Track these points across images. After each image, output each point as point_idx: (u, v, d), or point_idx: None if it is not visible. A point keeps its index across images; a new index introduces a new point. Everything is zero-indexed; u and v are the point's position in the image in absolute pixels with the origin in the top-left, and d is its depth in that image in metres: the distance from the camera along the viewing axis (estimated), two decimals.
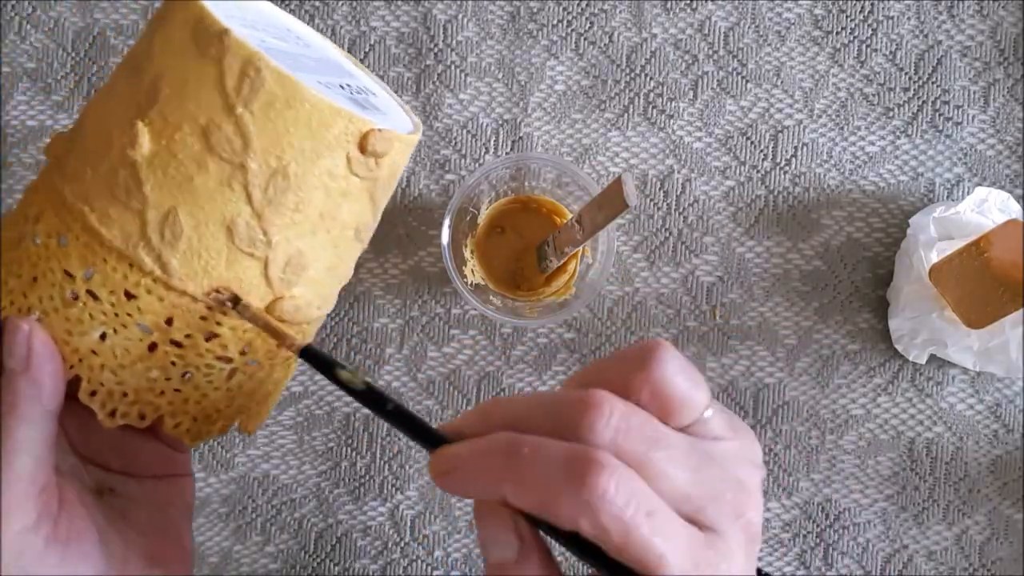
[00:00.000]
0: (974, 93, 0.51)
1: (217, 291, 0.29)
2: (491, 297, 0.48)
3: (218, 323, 0.30)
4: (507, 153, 0.51)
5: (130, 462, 0.33)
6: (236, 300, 0.29)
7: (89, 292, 0.29)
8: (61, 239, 0.29)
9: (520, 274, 0.49)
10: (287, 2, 0.51)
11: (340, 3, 0.51)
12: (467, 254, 0.49)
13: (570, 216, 0.47)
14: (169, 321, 0.30)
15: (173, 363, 0.30)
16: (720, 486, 0.24)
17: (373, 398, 0.28)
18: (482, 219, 0.49)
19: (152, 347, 0.30)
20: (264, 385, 0.34)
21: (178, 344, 0.30)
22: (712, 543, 0.24)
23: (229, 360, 0.31)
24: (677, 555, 0.23)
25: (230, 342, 0.31)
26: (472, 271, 0.48)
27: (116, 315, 0.29)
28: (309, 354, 0.29)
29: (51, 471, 0.29)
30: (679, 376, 0.25)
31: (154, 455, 0.34)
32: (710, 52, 0.51)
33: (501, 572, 0.25)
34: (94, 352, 0.30)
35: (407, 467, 0.51)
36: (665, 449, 0.24)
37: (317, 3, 0.51)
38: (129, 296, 0.29)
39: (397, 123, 0.33)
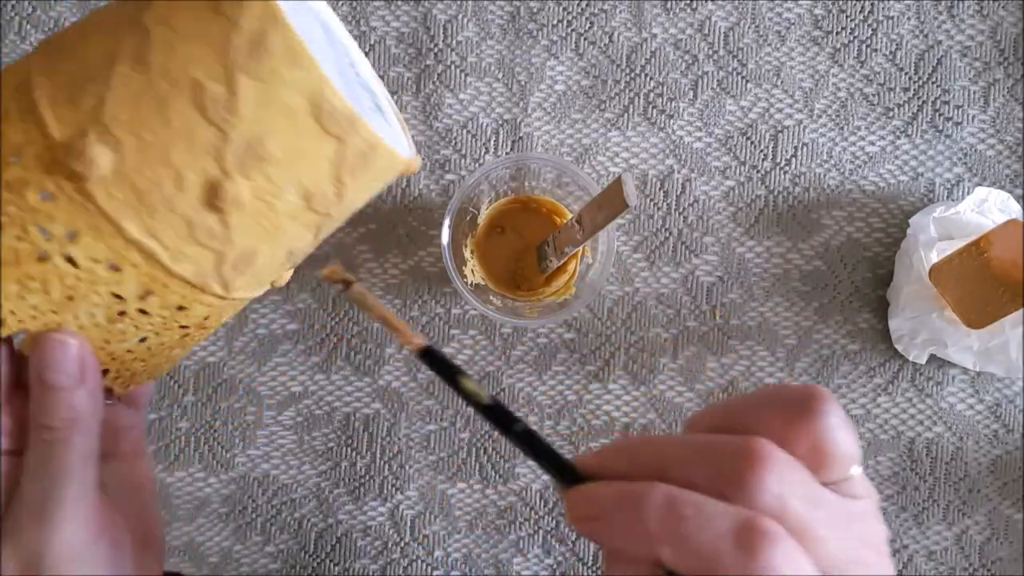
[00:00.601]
0: (974, 93, 0.51)
1: (330, 276, 0.30)
2: (491, 297, 0.48)
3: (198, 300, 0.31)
4: (507, 153, 0.51)
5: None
6: (348, 284, 0.30)
7: (141, 310, 0.29)
8: (110, 265, 0.28)
9: (520, 274, 0.49)
10: None
11: (340, 3, 0.51)
12: (467, 254, 0.49)
13: (570, 216, 0.47)
14: (206, 318, 0.31)
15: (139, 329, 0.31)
16: (863, 551, 0.24)
17: (500, 415, 0.25)
18: (482, 219, 0.49)
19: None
20: (175, 352, 0.34)
21: (184, 327, 0.31)
22: None
23: (186, 328, 0.32)
24: None
25: (202, 315, 0.31)
26: (472, 271, 0.48)
27: (165, 325, 0.30)
28: (431, 356, 0.27)
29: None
30: (842, 431, 0.23)
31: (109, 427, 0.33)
32: (710, 52, 0.51)
33: None
34: (129, 351, 0.30)
35: (407, 467, 0.51)
36: (822, 510, 0.23)
37: None
38: (181, 308, 0.30)
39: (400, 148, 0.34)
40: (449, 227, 0.45)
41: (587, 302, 0.49)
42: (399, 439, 0.51)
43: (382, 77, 0.51)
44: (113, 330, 0.29)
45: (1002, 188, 0.50)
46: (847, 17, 0.51)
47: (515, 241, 0.49)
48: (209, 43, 0.27)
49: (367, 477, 0.51)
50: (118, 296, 0.29)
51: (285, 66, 0.27)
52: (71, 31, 0.29)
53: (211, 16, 0.27)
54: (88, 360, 0.28)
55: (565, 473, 0.25)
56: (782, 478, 0.22)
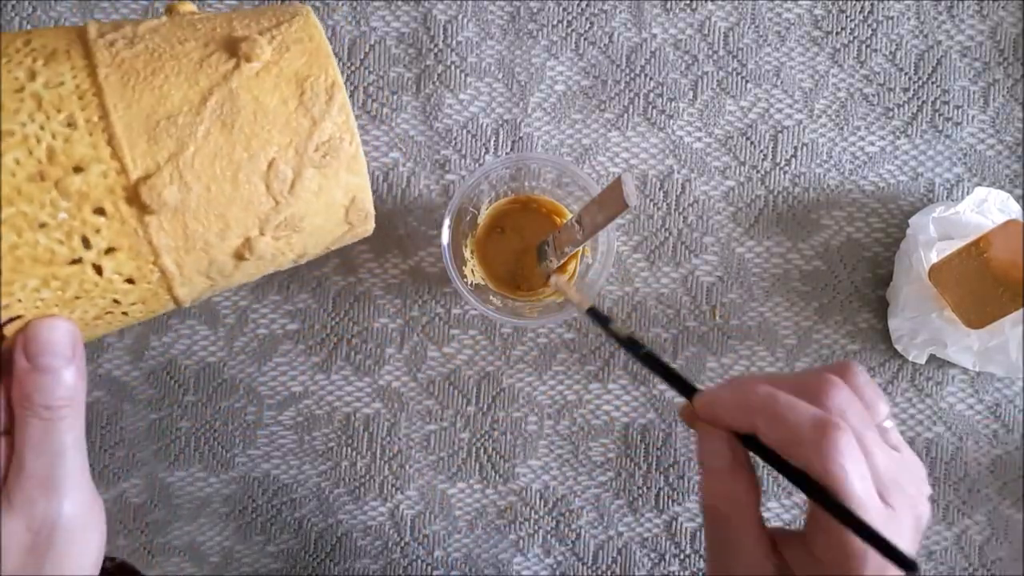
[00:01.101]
0: (974, 93, 0.51)
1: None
2: (491, 297, 0.48)
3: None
4: (507, 153, 0.51)
5: None
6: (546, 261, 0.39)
7: (124, 312, 0.32)
8: (127, 279, 0.31)
9: (520, 274, 0.49)
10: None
11: (340, 3, 0.51)
12: (467, 254, 0.49)
13: (570, 216, 0.47)
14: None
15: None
16: (903, 479, 0.30)
17: (631, 344, 0.35)
18: (482, 219, 0.49)
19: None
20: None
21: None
22: (890, 517, 0.29)
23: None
24: (870, 513, 0.28)
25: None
26: (472, 271, 0.49)
27: (127, 317, 0.33)
28: (593, 312, 0.38)
29: None
30: (869, 386, 0.32)
31: None
32: (710, 52, 0.51)
33: (716, 477, 0.31)
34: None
35: (407, 467, 0.51)
36: (872, 432, 0.30)
37: (317, 3, 0.51)
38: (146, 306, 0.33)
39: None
40: (449, 227, 0.45)
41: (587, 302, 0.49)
42: (399, 439, 0.51)
43: (382, 77, 0.51)
44: (91, 324, 0.31)
45: (1002, 188, 0.50)
46: (847, 17, 0.51)
47: (515, 241, 0.49)
48: (291, 133, 0.31)
49: (367, 477, 0.51)
50: (116, 302, 0.31)
51: (345, 170, 0.33)
52: (144, 56, 0.31)
53: (298, 110, 0.32)
54: (77, 339, 0.30)
55: (686, 388, 0.33)
56: (845, 399, 0.30)
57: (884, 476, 0.29)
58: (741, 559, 0.30)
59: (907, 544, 0.29)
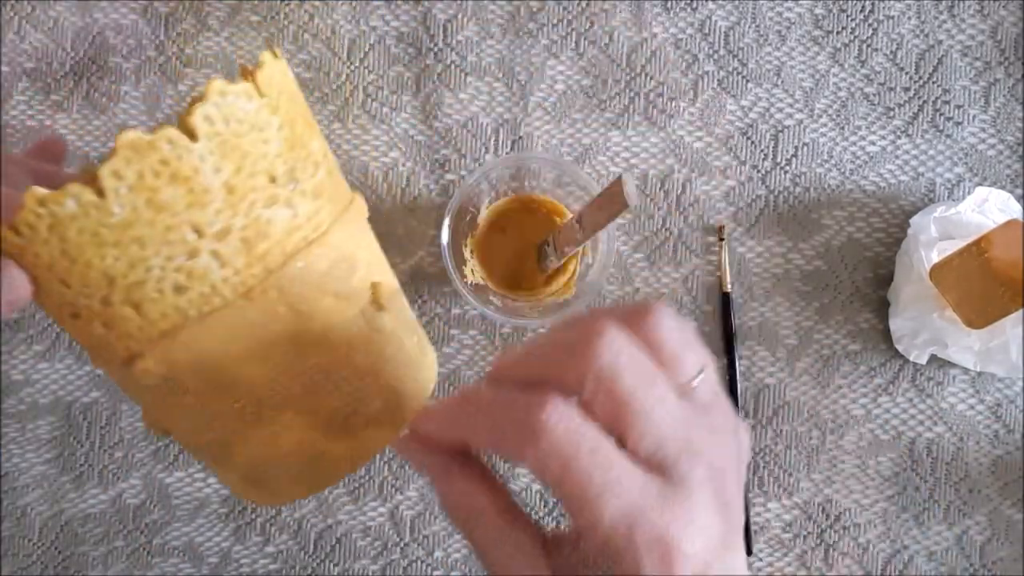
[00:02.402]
0: (975, 93, 0.51)
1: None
2: (491, 297, 0.48)
3: None
4: (507, 153, 0.51)
5: None
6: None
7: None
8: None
9: (520, 274, 0.49)
10: (287, 1, 0.51)
11: (340, 3, 0.51)
12: (467, 254, 0.49)
13: (570, 216, 0.47)
14: None
15: None
16: (698, 443, 0.24)
17: None
18: (482, 219, 0.49)
19: None
20: None
21: None
22: (671, 494, 0.23)
23: None
24: (619, 496, 0.22)
25: None
26: (472, 271, 0.48)
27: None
28: None
29: None
30: (675, 332, 0.25)
31: None
32: (710, 52, 0.51)
33: (447, 498, 0.27)
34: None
35: (407, 467, 0.51)
36: (653, 388, 0.23)
37: (317, 3, 0.51)
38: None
39: None
40: (449, 227, 0.45)
41: (587, 302, 0.49)
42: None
43: (382, 76, 0.51)
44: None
45: (1003, 188, 0.50)
46: (848, 17, 0.51)
47: (515, 241, 0.49)
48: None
49: (367, 477, 0.51)
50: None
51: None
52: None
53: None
54: (18, 300, 0.26)
55: None
56: (613, 356, 0.23)
57: (667, 442, 0.23)
58: (513, 565, 0.26)
59: (701, 525, 0.23)
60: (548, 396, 0.23)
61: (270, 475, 0.32)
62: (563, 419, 0.22)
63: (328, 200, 0.29)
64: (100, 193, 0.24)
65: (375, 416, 0.32)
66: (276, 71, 0.27)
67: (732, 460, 0.25)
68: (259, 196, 0.26)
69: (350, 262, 0.29)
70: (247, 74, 0.26)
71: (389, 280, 0.33)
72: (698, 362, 0.25)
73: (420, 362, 0.34)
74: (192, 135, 0.24)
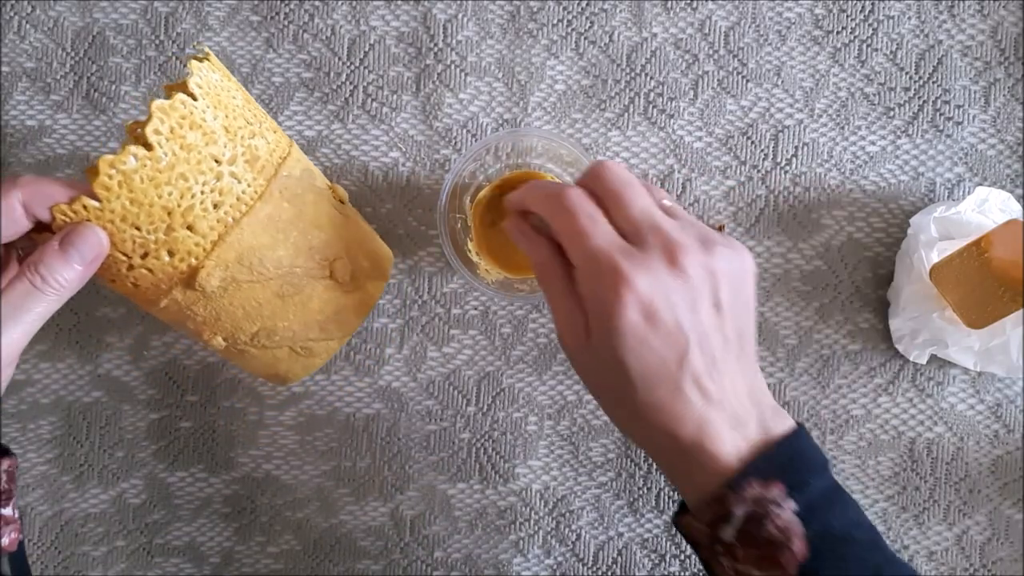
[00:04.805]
0: (975, 93, 0.51)
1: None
2: (516, 286, 0.47)
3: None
4: (507, 154, 0.51)
5: None
6: None
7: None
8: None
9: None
10: (287, 1, 0.51)
11: (340, 3, 0.51)
12: (474, 257, 0.48)
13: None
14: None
15: None
16: (663, 223, 0.35)
17: None
18: (471, 221, 0.49)
19: None
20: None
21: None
22: (633, 253, 0.33)
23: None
24: (598, 240, 0.34)
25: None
26: (487, 271, 0.48)
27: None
28: None
29: None
30: (629, 180, 0.36)
31: None
32: (710, 52, 0.51)
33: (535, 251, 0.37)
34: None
35: (407, 467, 0.51)
36: (632, 188, 0.35)
37: (317, 3, 0.51)
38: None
39: None
40: (451, 246, 0.45)
41: None
42: (399, 439, 0.51)
43: (382, 76, 0.51)
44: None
45: (1003, 188, 0.50)
46: (848, 17, 0.51)
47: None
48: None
49: (367, 477, 0.51)
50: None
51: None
52: (292, 213, 0.40)
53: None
54: (101, 254, 0.35)
55: None
56: (613, 170, 0.36)
57: (640, 223, 0.34)
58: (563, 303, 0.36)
59: (648, 283, 0.33)
60: (569, 187, 0.36)
61: (310, 338, 0.42)
62: (577, 195, 0.35)
63: (281, 135, 0.41)
64: (148, 147, 0.34)
65: (368, 272, 0.43)
66: (214, 64, 0.38)
67: (695, 242, 0.34)
68: (244, 132, 0.37)
69: (311, 170, 0.42)
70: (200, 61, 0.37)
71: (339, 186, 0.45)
72: (663, 194, 0.38)
73: (379, 239, 0.47)
74: (193, 97, 0.35)
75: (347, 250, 0.42)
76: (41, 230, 0.36)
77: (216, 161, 0.36)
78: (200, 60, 0.37)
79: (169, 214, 0.35)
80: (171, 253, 0.36)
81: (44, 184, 0.35)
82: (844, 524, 0.33)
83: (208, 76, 0.37)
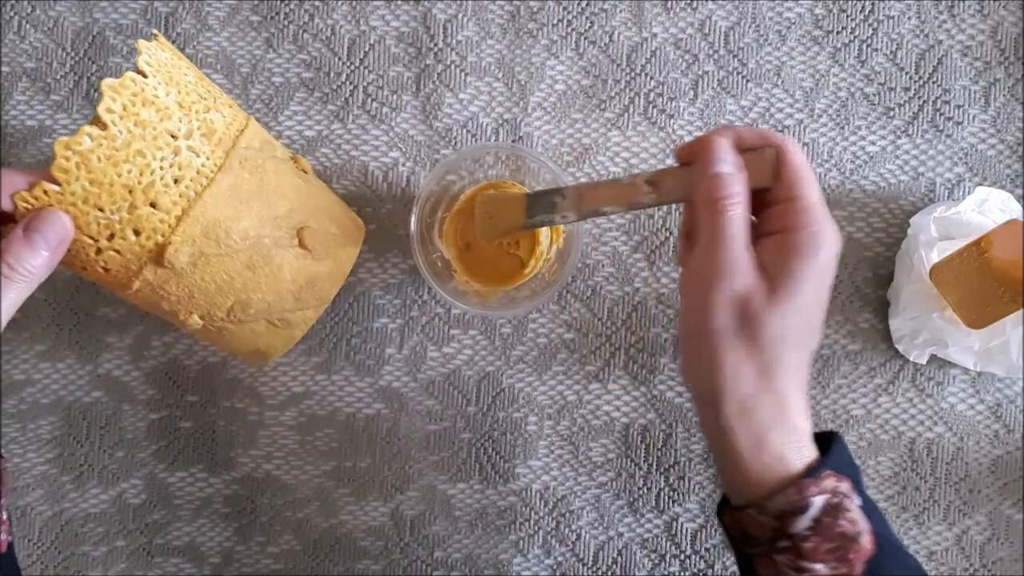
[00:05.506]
0: (975, 93, 0.51)
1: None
2: (492, 300, 0.48)
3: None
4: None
5: None
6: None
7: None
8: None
9: (500, 268, 0.49)
10: (287, 1, 0.51)
11: (340, 3, 0.51)
12: (463, 287, 0.48)
13: (626, 175, 0.44)
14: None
15: None
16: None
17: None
18: (446, 251, 0.48)
19: None
20: None
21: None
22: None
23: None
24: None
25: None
26: (478, 292, 0.48)
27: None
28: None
29: None
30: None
31: None
32: (710, 52, 0.51)
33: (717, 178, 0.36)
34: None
35: (407, 467, 0.51)
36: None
37: (317, 3, 0.51)
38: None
39: None
40: (433, 279, 0.45)
41: (576, 261, 0.46)
42: (399, 439, 0.51)
43: (382, 76, 0.51)
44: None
45: (1003, 188, 0.50)
46: (847, 17, 0.51)
47: (482, 248, 0.49)
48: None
49: (368, 477, 0.51)
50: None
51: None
52: (253, 184, 0.40)
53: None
54: (66, 239, 0.35)
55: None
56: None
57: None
58: (730, 248, 0.35)
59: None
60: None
61: (286, 308, 0.42)
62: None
63: (236, 109, 0.41)
64: (103, 126, 0.34)
65: (339, 239, 0.43)
66: (162, 43, 0.39)
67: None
68: (199, 106, 0.38)
69: (271, 142, 0.42)
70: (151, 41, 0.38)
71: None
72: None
73: (347, 208, 0.47)
74: (143, 74, 0.36)
75: (314, 218, 0.42)
76: (6, 222, 0.36)
77: (172, 136, 0.36)
78: (149, 42, 0.38)
79: (130, 192, 0.35)
80: (137, 232, 0.36)
81: (3, 174, 0.35)
82: (887, 530, 0.34)
83: (157, 55, 0.37)
